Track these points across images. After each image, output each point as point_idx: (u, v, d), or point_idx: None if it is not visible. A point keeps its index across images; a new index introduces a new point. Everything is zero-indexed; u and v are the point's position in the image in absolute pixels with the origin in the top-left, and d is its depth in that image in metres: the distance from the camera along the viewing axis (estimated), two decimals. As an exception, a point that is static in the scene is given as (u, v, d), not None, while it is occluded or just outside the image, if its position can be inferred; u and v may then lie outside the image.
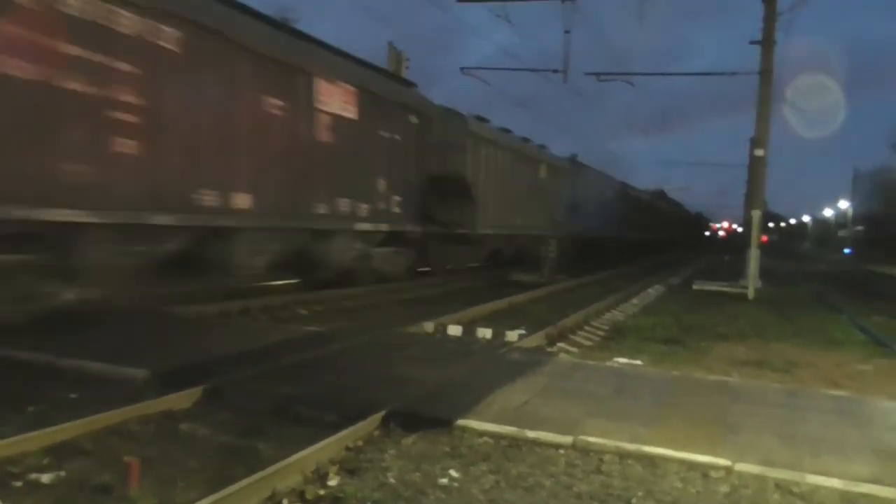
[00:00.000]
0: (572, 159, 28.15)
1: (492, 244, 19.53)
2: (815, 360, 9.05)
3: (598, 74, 22.59)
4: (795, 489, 4.10)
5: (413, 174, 14.79)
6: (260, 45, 10.31)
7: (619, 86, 23.09)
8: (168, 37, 8.66)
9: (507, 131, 21.73)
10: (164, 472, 3.99)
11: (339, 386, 5.71)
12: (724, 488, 4.09)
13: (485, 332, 8.88)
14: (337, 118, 12.13)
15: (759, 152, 19.64)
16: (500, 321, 10.67)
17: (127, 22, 8.09)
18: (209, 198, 9.36)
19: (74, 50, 7.46)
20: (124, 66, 8.08)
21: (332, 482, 3.90)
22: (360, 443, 4.52)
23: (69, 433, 4.36)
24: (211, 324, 9.01)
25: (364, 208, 13.10)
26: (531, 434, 4.71)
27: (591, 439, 4.63)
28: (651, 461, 4.42)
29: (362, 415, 4.87)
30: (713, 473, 4.27)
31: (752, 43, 19.91)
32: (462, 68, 23.23)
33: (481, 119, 18.98)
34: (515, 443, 4.64)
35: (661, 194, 61.95)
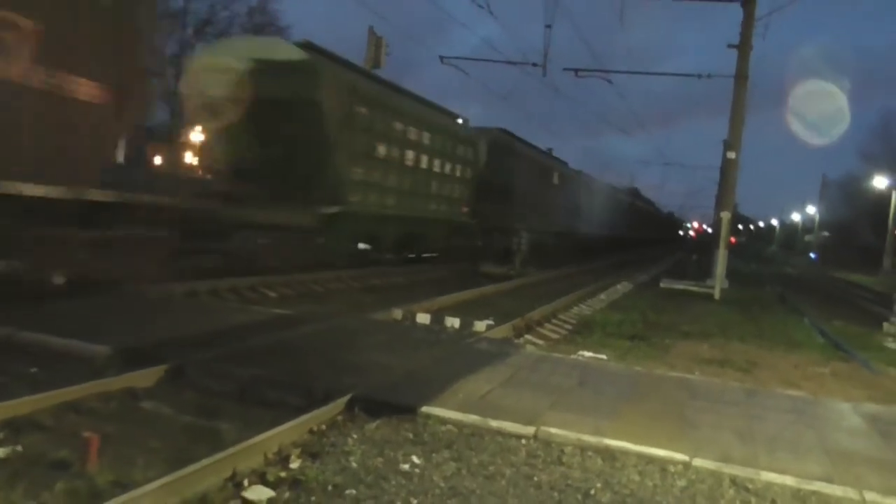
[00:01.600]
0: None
1: (580, 238, 33.19)
2: (775, 360, 9.23)
3: (576, 70, 22.62)
4: (750, 485, 4.19)
5: (571, 204, 31.20)
6: (550, 164, 29.04)
7: (598, 84, 23.30)
8: (556, 176, 28.94)
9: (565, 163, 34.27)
10: (124, 449, 3.95)
11: (305, 369, 5.69)
12: (681, 482, 4.17)
13: (453, 322, 8.91)
14: (556, 186, 28.92)
15: (732, 155, 19.89)
16: (468, 311, 10.71)
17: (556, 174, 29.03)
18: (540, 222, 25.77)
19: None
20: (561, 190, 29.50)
21: (294, 465, 3.90)
22: (323, 426, 4.52)
23: (27, 408, 4.30)
24: (178, 303, 8.92)
25: (555, 222, 28.53)
26: (494, 423, 4.75)
27: (553, 430, 4.69)
28: (611, 454, 4.48)
29: (327, 399, 4.88)
30: (671, 468, 4.35)
31: (731, 47, 20.14)
32: (441, 57, 23.14)
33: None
34: (478, 431, 4.68)
35: (635, 193, 62.99)
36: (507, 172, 22.72)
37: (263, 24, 43.33)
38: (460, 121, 21.17)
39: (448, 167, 18.92)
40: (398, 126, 15.76)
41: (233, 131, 12.09)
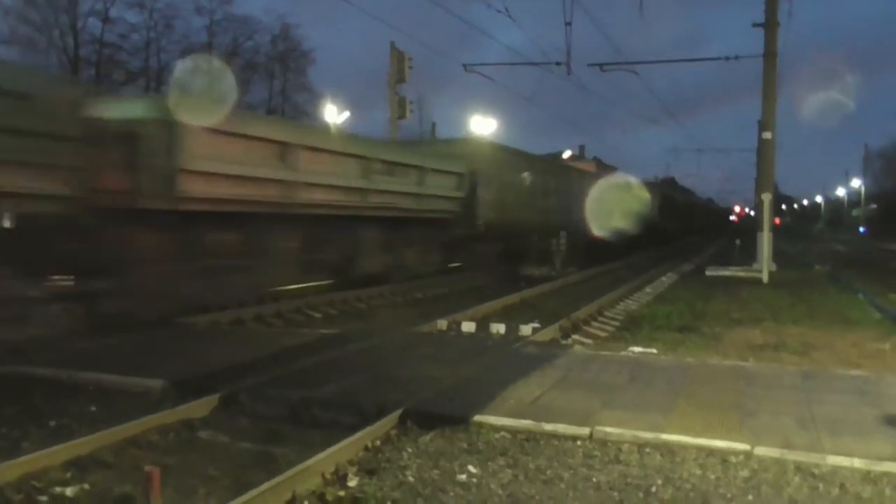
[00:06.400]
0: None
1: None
2: (831, 341, 9.00)
3: (600, 65, 22.48)
4: (816, 471, 4.08)
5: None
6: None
7: (625, 77, 23.24)
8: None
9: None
10: (185, 480, 4.02)
11: (355, 387, 5.73)
12: (744, 473, 4.08)
13: (498, 328, 8.89)
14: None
15: (767, 135, 19.54)
16: (513, 316, 10.68)
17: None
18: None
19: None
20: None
21: (352, 483, 3.92)
22: (377, 443, 4.54)
23: (90, 446, 4.40)
24: (225, 332, 9.06)
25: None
26: (548, 427, 4.71)
27: (609, 430, 4.63)
28: (669, 449, 4.41)
29: (379, 415, 4.90)
30: (732, 458, 4.26)
31: (756, 26, 19.80)
32: (465, 65, 23.19)
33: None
34: (533, 436, 4.65)
35: (672, 183, 62.76)
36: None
37: (287, 50, 44.10)
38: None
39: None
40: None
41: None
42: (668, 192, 44.36)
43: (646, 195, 31.30)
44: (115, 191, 8.26)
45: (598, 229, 23.55)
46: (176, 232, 9.10)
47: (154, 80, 37.58)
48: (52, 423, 5.09)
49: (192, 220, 9.21)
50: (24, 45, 32.54)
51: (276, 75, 44.64)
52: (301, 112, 43.47)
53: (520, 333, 8.60)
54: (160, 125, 8.55)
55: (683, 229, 46.76)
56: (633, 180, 30.71)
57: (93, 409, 5.43)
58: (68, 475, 4.07)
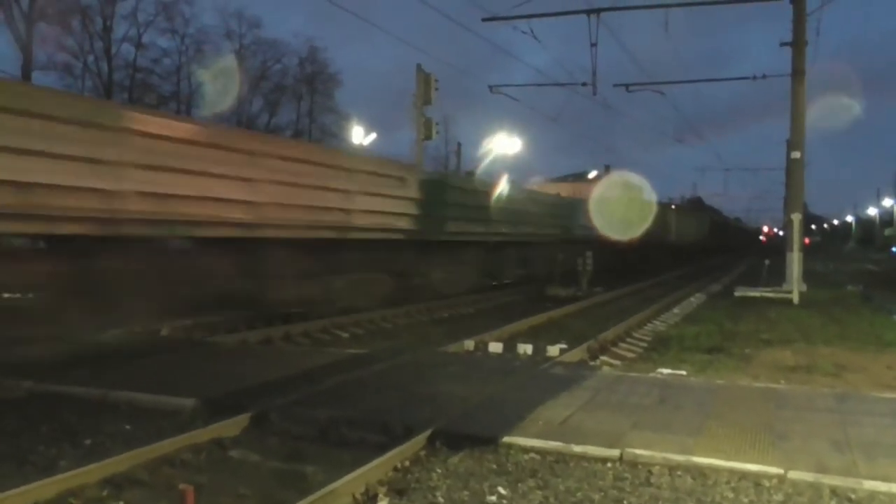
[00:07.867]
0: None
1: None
2: (865, 363, 8.85)
3: (626, 85, 22.49)
4: (853, 496, 4.02)
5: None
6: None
7: (651, 97, 23.24)
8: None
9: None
10: (216, 499, 4.07)
11: (384, 407, 5.75)
12: (778, 497, 4.03)
13: (525, 348, 8.87)
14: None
15: (796, 154, 19.32)
16: (540, 336, 10.64)
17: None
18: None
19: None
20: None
21: (382, 503, 3.93)
22: (407, 463, 4.55)
23: (125, 464, 4.47)
24: (254, 351, 9.15)
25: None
26: (577, 448, 4.70)
27: (639, 451, 4.60)
28: (700, 472, 4.37)
29: (408, 435, 4.92)
30: (765, 482, 4.21)
31: (783, 45, 19.66)
32: (490, 86, 23.31)
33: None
34: (562, 458, 4.63)
35: (698, 202, 62.95)
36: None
37: (314, 72, 44.74)
38: None
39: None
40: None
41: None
42: (716, 218, 58.24)
43: (706, 221, 49.04)
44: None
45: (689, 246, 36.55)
46: None
47: (185, 104, 38.30)
48: (88, 442, 5.18)
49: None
50: (61, 71, 33.46)
51: (303, 97, 45.32)
52: (328, 133, 44.02)
53: (547, 354, 8.57)
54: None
55: (721, 246, 58.86)
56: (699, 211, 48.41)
57: (127, 427, 5.51)
58: (104, 493, 4.14)
